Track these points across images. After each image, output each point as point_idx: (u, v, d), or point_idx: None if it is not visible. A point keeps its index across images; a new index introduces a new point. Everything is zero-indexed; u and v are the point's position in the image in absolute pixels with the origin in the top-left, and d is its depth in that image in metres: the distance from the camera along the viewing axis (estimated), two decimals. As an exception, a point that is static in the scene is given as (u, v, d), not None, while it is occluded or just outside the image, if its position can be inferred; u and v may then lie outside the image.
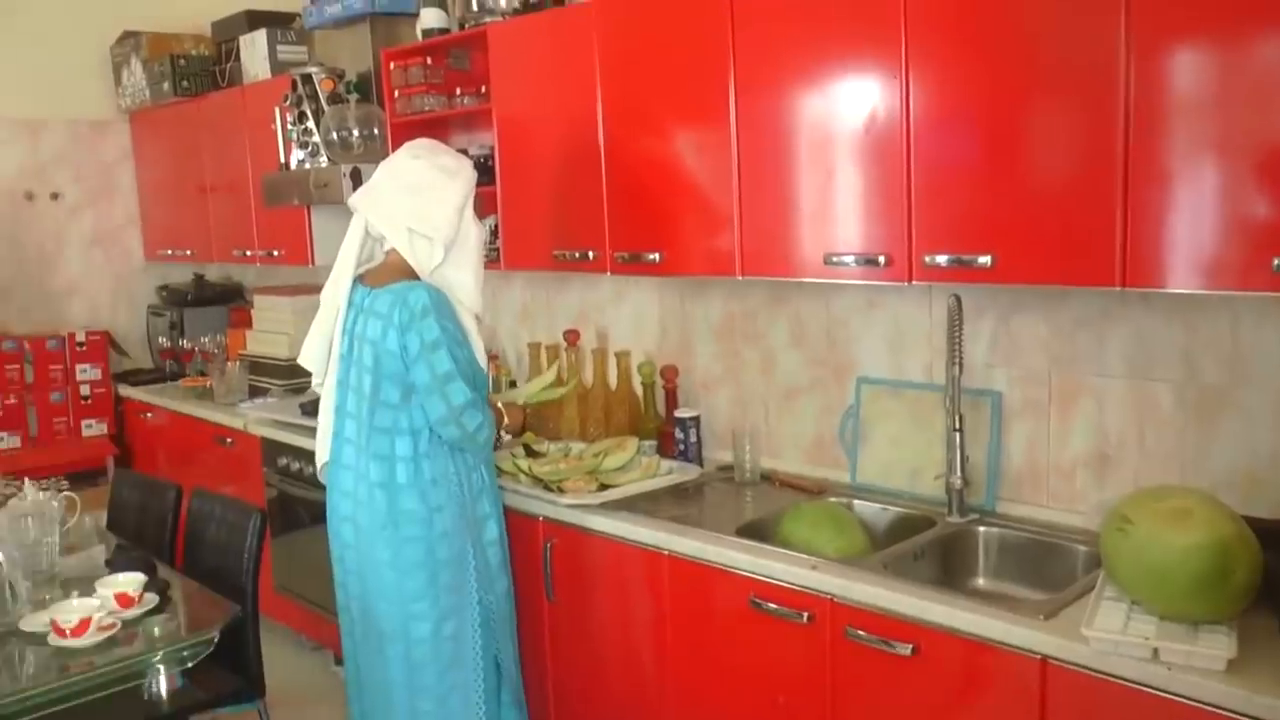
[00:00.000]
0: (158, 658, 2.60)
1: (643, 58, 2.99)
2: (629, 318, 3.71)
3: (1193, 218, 2.06)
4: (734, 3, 2.73)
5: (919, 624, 2.26)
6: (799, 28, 2.62)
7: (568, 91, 3.20)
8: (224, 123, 5.00)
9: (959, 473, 2.75)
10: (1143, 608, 2.05)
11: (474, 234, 2.93)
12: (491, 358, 3.12)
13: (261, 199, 4.46)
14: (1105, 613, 2.06)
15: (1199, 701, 1.86)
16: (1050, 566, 2.59)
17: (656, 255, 3.03)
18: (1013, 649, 2.12)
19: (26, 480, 3.24)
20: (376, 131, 3.93)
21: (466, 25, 3.60)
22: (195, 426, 4.86)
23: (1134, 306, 2.53)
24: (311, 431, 3.90)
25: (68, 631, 2.57)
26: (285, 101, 4.22)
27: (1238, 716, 1.82)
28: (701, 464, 3.33)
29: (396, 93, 3.83)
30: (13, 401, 5.22)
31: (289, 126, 4.23)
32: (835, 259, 2.62)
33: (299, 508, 4.12)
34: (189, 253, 5.50)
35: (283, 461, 4.22)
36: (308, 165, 4.17)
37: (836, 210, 2.62)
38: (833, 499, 2.99)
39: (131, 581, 2.77)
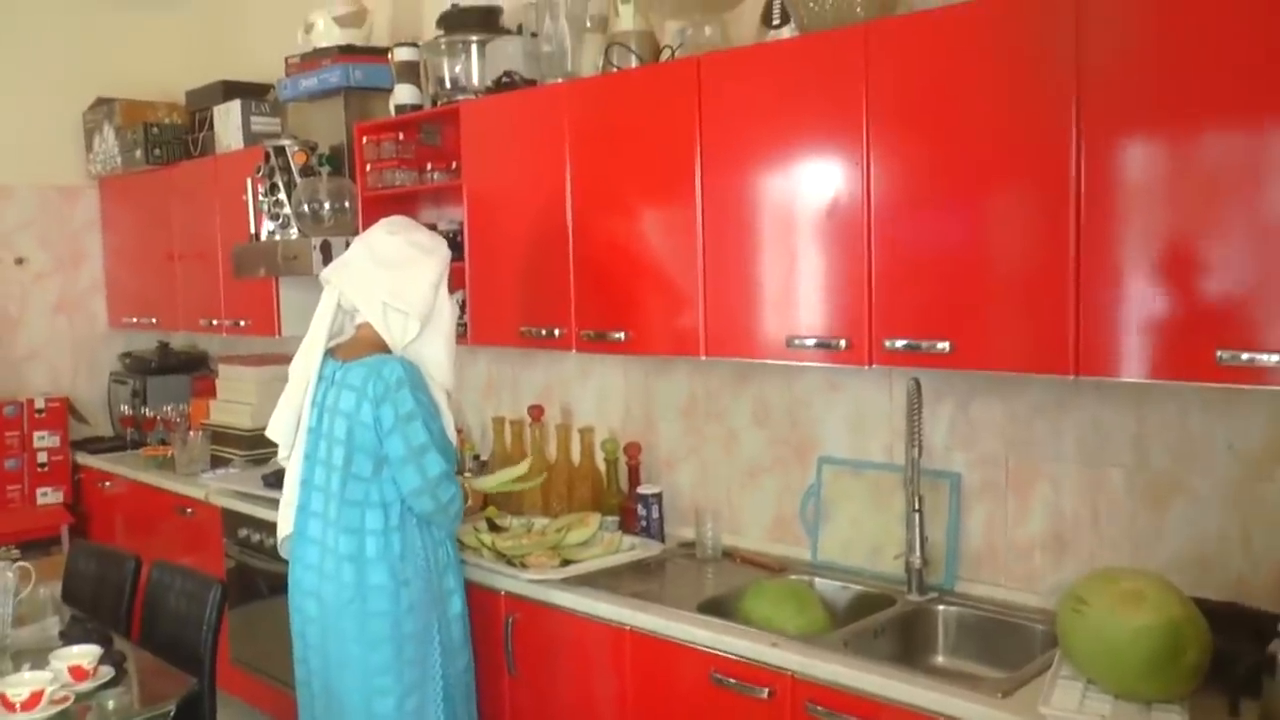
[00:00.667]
0: (112, 731, 2.56)
1: (612, 139, 3.06)
2: (593, 394, 3.74)
3: (1140, 309, 2.13)
4: (701, 89, 2.82)
5: (879, 700, 2.28)
6: (764, 115, 2.70)
7: (537, 170, 3.27)
8: (195, 192, 5.02)
9: (918, 552, 2.79)
10: (1098, 687, 2.10)
11: (447, 310, 2.97)
12: (457, 431, 3.14)
13: (230, 269, 4.48)
14: (1062, 691, 2.10)
15: (1152, 782, 1.89)
16: (1008, 645, 2.61)
17: (622, 334, 3.08)
18: (971, 726, 2.14)
19: (-19, 549, 3.22)
20: (348, 205, 3.98)
21: (439, 102, 3.68)
22: (155, 496, 4.80)
23: (1088, 394, 2.60)
24: (273, 503, 3.89)
25: (18, 705, 2.51)
26: (258, 172, 4.26)
27: (1190, 797, 1.85)
28: (664, 540, 3.34)
29: (369, 166, 3.89)
30: (-33, 467, 5.16)
31: (260, 197, 4.27)
32: (797, 341, 2.68)
33: (258, 579, 4.08)
34: (154, 320, 5.48)
35: (243, 533, 4.19)
36: (278, 236, 4.20)
37: (798, 293, 2.69)
38: (794, 576, 3.02)
39: (86, 654, 2.73)
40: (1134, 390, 2.51)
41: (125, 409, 5.60)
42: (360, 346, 2.93)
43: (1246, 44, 1.98)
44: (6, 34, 5.43)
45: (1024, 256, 2.28)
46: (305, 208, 4.01)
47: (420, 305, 2.90)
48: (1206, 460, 2.45)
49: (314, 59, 4.18)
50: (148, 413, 5.42)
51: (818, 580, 3.01)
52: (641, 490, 3.39)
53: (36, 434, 5.33)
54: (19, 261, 5.60)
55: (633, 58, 3.08)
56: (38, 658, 2.79)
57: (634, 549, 3.24)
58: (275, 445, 3.11)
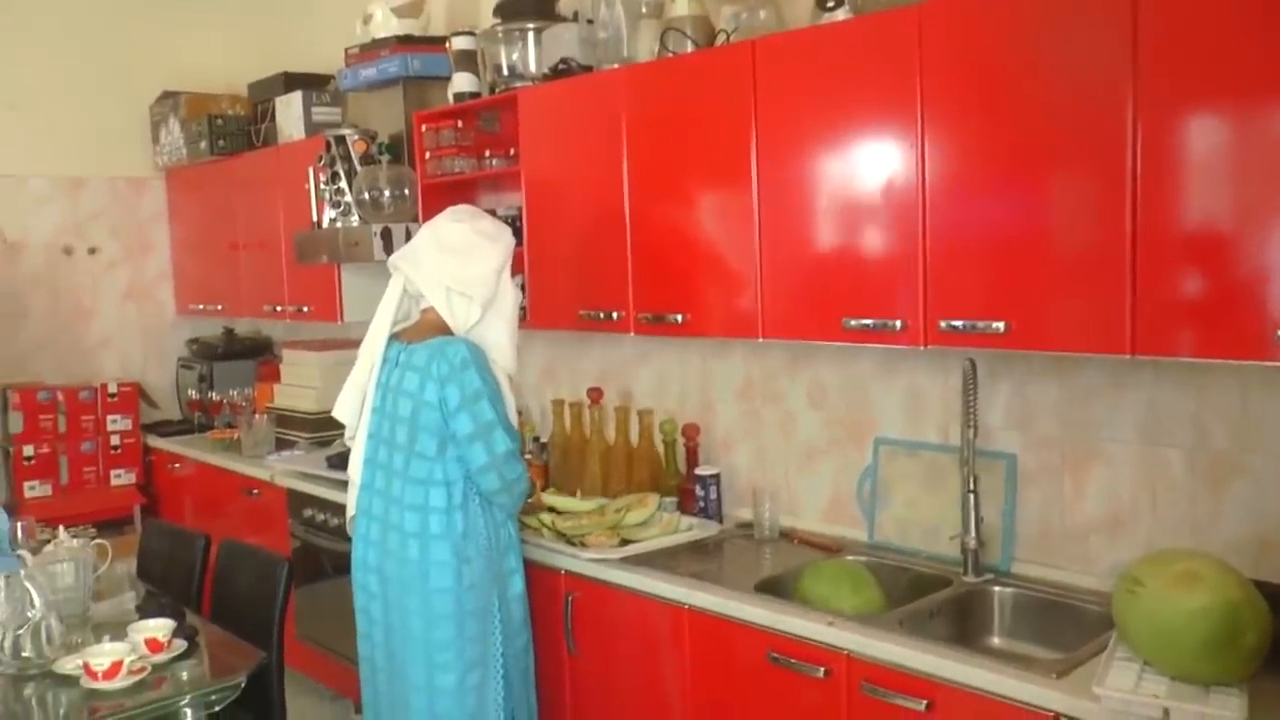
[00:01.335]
0: (185, 701, 2.64)
1: (668, 124, 3.09)
2: (651, 376, 3.78)
3: (1198, 287, 2.12)
4: (756, 72, 2.83)
5: (934, 680, 2.30)
6: (819, 97, 2.72)
7: (595, 155, 3.30)
8: (258, 181, 5.13)
9: (974, 533, 2.80)
10: (1155, 668, 2.09)
11: (510, 296, 3.03)
12: (517, 414, 3.19)
13: (293, 256, 4.57)
14: (1117, 672, 2.10)
15: (1208, 760, 1.89)
16: (1064, 627, 2.62)
17: (680, 317, 3.11)
18: (1026, 706, 2.15)
19: (61, 528, 3.32)
20: (407, 192, 4.04)
21: (497, 90, 3.72)
22: (222, 477, 4.93)
23: (1145, 373, 2.59)
24: (337, 484, 4.01)
25: (99, 674, 2.62)
26: (319, 161, 4.34)
27: (1246, 776, 1.85)
28: (721, 521, 3.38)
29: (427, 154, 3.94)
30: (46, 451, 5.32)
31: (322, 186, 4.34)
32: (853, 323, 2.69)
33: (323, 558, 4.18)
34: (219, 307, 5.61)
35: (308, 513, 4.29)
36: (339, 224, 4.28)
37: (854, 275, 2.70)
38: (850, 557, 3.04)
39: (161, 627, 2.83)
40: (1192, 370, 2.50)
41: (193, 393, 5.75)
42: (424, 330, 3.00)
43: (1307, 19, 1.96)
44: (77, 33, 5.58)
45: (1080, 235, 2.28)
46: (366, 195, 4.08)
47: (483, 290, 2.95)
48: (1268, 440, 2.42)
49: (373, 49, 4.24)
50: (214, 397, 5.56)
51: (874, 561, 3.02)
52: (699, 471, 3.42)
53: (109, 418, 5.49)
54: (91, 251, 5.76)
55: (688, 42, 3.10)
56: (116, 630, 2.89)
57: (692, 529, 3.28)
58: (338, 428, 3.19)
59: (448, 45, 3.92)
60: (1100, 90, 2.21)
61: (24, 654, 2.72)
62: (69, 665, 2.70)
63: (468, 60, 3.84)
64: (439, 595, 2.90)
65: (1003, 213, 2.41)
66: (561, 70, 3.43)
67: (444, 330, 2.97)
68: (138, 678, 2.67)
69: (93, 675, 2.63)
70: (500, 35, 3.64)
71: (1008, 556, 2.85)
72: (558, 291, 3.50)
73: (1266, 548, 2.43)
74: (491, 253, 2.99)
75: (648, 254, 3.19)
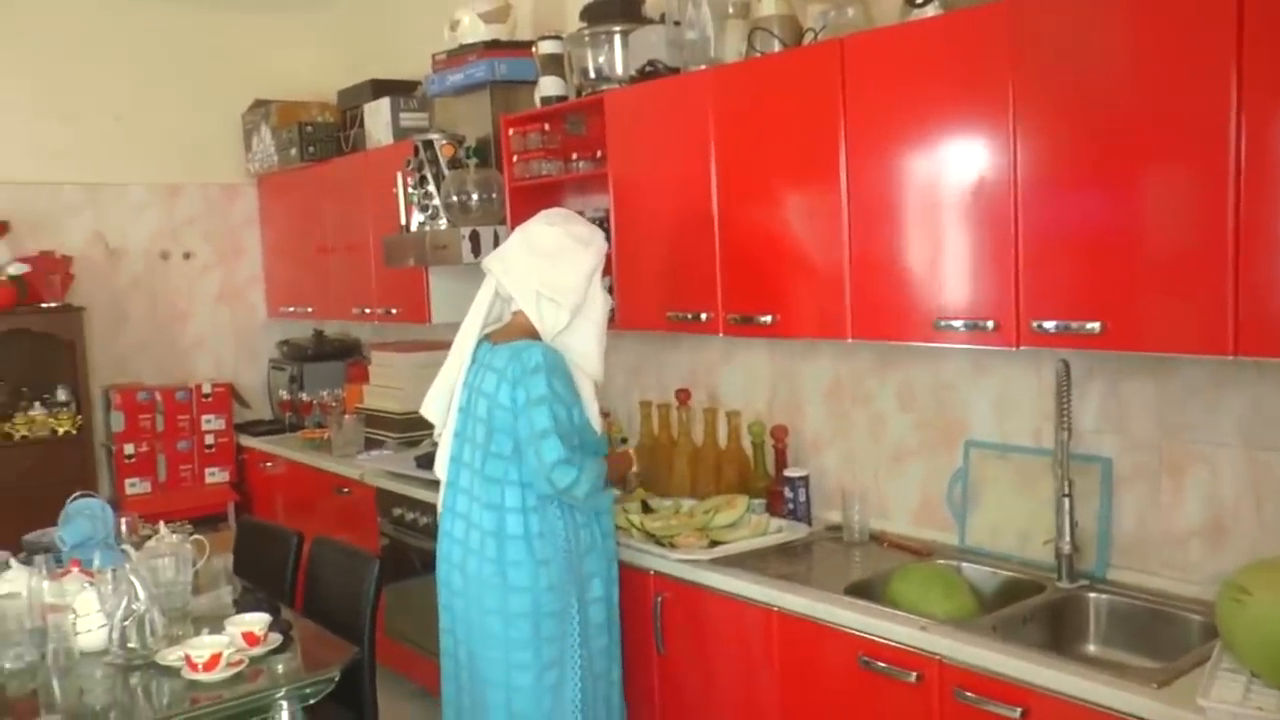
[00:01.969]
0: (281, 694, 2.69)
1: (756, 124, 3.08)
2: (739, 377, 3.77)
3: (1307, 285, 2.06)
4: (845, 71, 2.82)
5: (1029, 687, 2.26)
6: (909, 94, 2.69)
7: (682, 156, 3.30)
8: (346, 186, 5.22)
9: (1069, 538, 2.74)
10: (1262, 680, 2.03)
11: (600, 302, 3.04)
12: (604, 414, 3.21)
13: (381, 259, 4.64)
14: (1223, 684, 2.04)
15: (1320, 775, 1.84)
16: (1163, 635, 2.56)
17: (769, 317, 3.10)
18: (1125, 716, 2.11)
19: (162, 524, 3.41)
20: (495, 195, 4.08)
21: (584, 93, 3.74)
22: (313, 476, 5.03)
23: (1248, 374, 2.52)
24: (425, 483, 4.07)
25: (199, 666, 2.68)
26: (407, 166, 4.40)
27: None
28: (810, 523, 3.36)
29: (515, 157, 3.98)
30: (145, 449, 5.50)
31: (410, 190, 4.40)
32: (943, 323, 2.66)
33: (412, 556, 4.23)
34: (309, 309, 5.73)
35: (397, 511, 4.35)
36: (427, 227, 4.34)
37: (945, 275, 2.67)
38: (941, 561, 3.01)
39: (258, 621, 2.88)
40: (1300, 371, 2.43)
41: (284, 394, 5.88)
42: (512, 331, 3.03)
43: None
44: (175, 47, 5.78)
45: (1179, 232, 2.22)
46: (454, 199, 4.13)
47: (572, 296, 2.97)
48: (1379, 444, 2.35)
49: (460, 55, 4.29)
50: (305, 397, 5.69)
51: (965, 565, 2.99)
52: (788, 473, 3.40)
53: (204, 417, 5.65)
54: (187, 256, 5.94)
55: (775, 42, 3.09)
56: (214, 624, 2.95)
57: (781, 531, 3.27)
58: (426, 428, 3.24)
59: (534, 49, 3.95)
60: (1201, 82, 2.15)
61: (129, 644, 2.79)
62: (171, 657, 2.77)
63: (554, 64, 3.86)
64: (516, 594, 2.92)
65: (1098, 210, 2.36)
66: (648, 72, 3.44)
67: (532, 333, 3.00)
68: (235, 670, 2.73)
69: (193, 667, 2.69)
70: (587, 39, 3.66)
71: (1103, 562, 2.80)
72: (646, 293, 3.51)
73: (1379, 555, 2.35)
74: (583, 257, 3.00)
75: (736, 255, 3.18)
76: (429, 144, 4.31)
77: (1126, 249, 2.31)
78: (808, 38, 3.07)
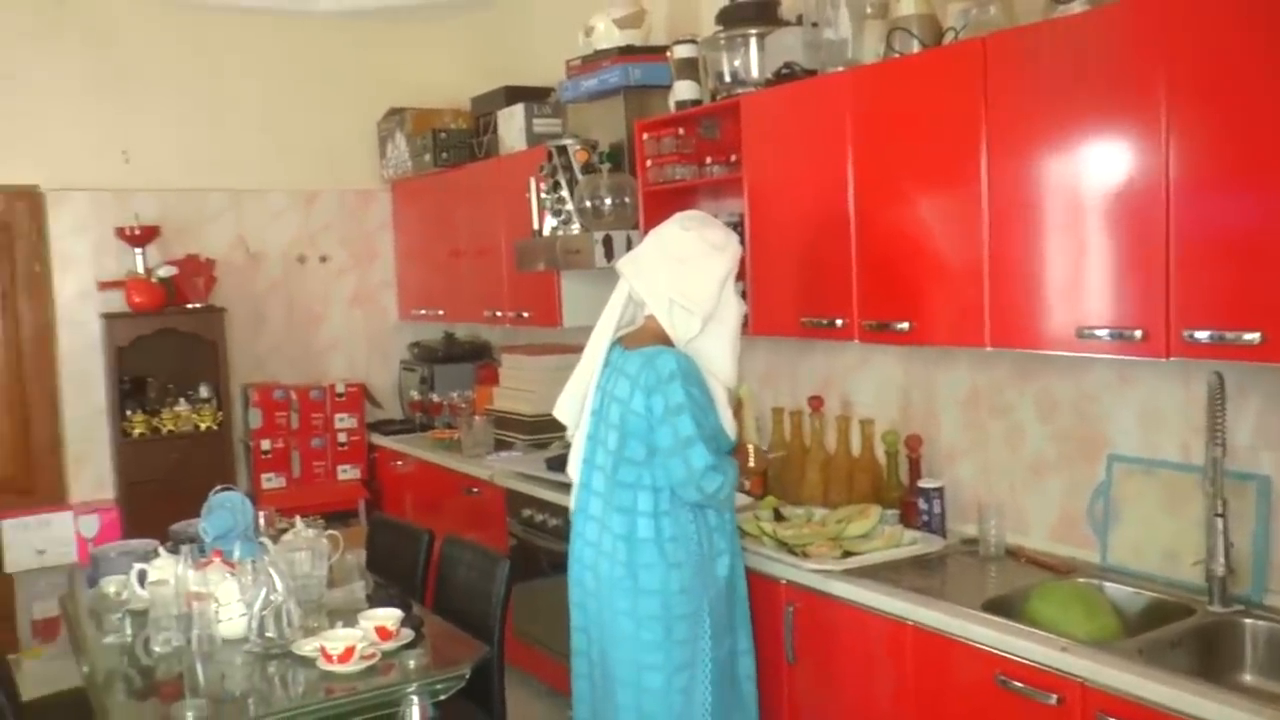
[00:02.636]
0: (412, 689, 2.73)
1: (894, 126, 3.03)
2: (872, 385, 3.71)
3: None
4: (987, 71, 2.74)
5: (1178, 715, 2.16)
6: (1054, 94, 2.60)
7: (819, 159, 3.26)
8: (479, 191, 5.30)
9: (1222, 559, 2.62)
10: None
11: (734, 308, 3.02)
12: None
13: (513, 263, 4.69)
14: (1396, 718, 1.93)
15: None
16: (1329, 667, 2.43)
17: (905, 324, 3.03)
18: (1286, 748, 2.00)
19: (298, 518, 3.50)
20: (628, 200, 4.09)
21: (719, 96, 3.72)
22: (443, 475, 5.11)
23: None
24: (555, 485, 4.10)
25: (334, 657, 2.74)
26: (541, 171, 4.44)
27: None
28: (945, 536, 3.28)
29: (649, 162, 3.98)
30: (280, 445, 5.67)
31: (543, 195, 4.45)
32: (1087, 332, 2.57)
33: (540, 557, 4.27)
34: (440, 312, 5.84)
35: (526, 512, 4.39)
36: (560, 232, 4.37)
37: (1090, 281, 2.57)
38: (1082, 579, 2.90)
39: (390, 616, 2.93)
40: None
41: (414, 394, 6.00)
42: (644, 336, 3.03)
43: None
44: (311, 57, 5.99)
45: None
46: (587, 203, 4.16)
47: (704, 303, 2.95)
48: None
49: (594, 60, 4.32)
50: (435, 398, 5.79)
51: (1107, 584, 2.87)
52: (923, 484, 3.33)
53: (337, 416, 5.80)
54: (322, 260, 6.12)
55: (915, 42, 3.03)
56: (348, 617, 3.01)
57: (915, 543, 3.20)
58: (556, 431, 3.25)
59: (669, 54, 3.95)
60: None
61: (268, 634, 2.87)
62: (307, 647, 2.84)
63: (689, 68, 3.86)
64: (647, 597, 2.92)
65: (1258, 212, 2.24)
66: (785, 75, 3.41)
67: (664, 339, 2.99)
68: (368, 663, 2.78)
69: (328, 658, 2.75)
70: (722, 42, 3.64)
71: (1260, 586, 2.66)
72: (780, 298, 3.47)
73: None
74: (717, 263, 2.98)
75: (872, 260, 3.13)
76: (563, 149, 4.35)
77: (1289, 255, 2.19)
78: (948, 37, 3.00)
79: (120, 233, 5.40)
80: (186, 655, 2.87)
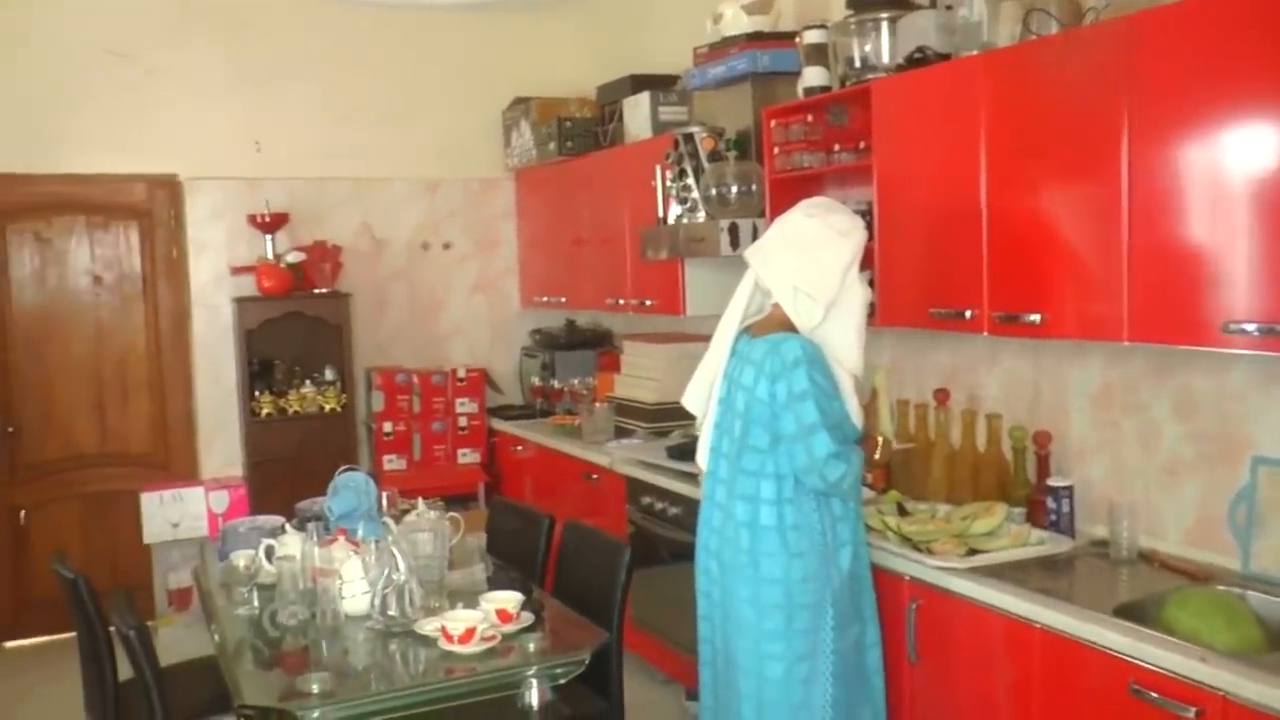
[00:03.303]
0: (532, 672, 2.74)
1: (1029, 110, 2.92)
2: (1000, 378, 3.60)
3: None
4: (1131, 51, 2.63)
5: (1330, 733, 2.05)
6: (1204, 75, 2.48)
7: (951, 146, 3.18)
8: (604, 180, 5.31)
9: (1377, 570, 2.48)
10: None
11: (858, 295, 2.97)
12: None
13: (637, 251, 4.70)
14: None
15: None
16: None
17: (1036, 317, 2.94)
18: None
19: (420, 500, 3.55)
20: (754, 188, 4.05)
21: (848, 83, 3.66)
22: (562, 461, 5.14)
23: None
24: (676, 474, 4.10)
25: (455, 638, 2.78)
26: (666, 159, 4.43)
27: None
28: (1073, 536, 3.17)
29: (776, 149, 3.93)
30: (402, 428, 5.79)
31: (669, 183, 4.44)
32: (1234, 327, 2.45)
33: (659, 545, 4.26)
34: (562, 300, 5.88)
35: (646, 500, 4.39)
36: (684, 220, 4.36)
37: (1237, 273, 2.45)
38: (1221, 587, 2.77)
39: (511, 599, 2.96)
40: None
41: (535, 380, 6.06)
42: (770, 324, 3.00)
43: None
44: (436, 49, 6.09)
45: None
46: (713, 191, 4.13)
47: (827, 290, 2.91)
48: None
49: (722, 48, 4.29)
50: (556, 384, 5.84)
51: (1249, 593, 2.74)
52: (1051, 482, 3.23)
53: (458, 400, 5.91)
54: (446, 247, 6.22)
55: (1053, 23, 2.93)
56: (468, 599, 3.05)
57: (1043, 543, 3.10)
58: (678, 419, 3.24)
59: (798, 40, 3.90)
60: None
61: (390, 612, 2.92)
62: (428, 627, 2.88)
63: (818, 54, 3.80)
64: (769, 586, 2.89)
65: None
66: (917, 59, 3.33)
67: (789, 326, 2.95)
68: (489, 645, 2.81)
69: (449, 638, 2.78)
70: (853, 27, 3.58)
71: None
72: (907, 289, 3.39)
73: None
74: (841, 250, 2.94)
75: (1004, 250, 3.03)
76: (689, 137, 4.33)
77: None
78: (1089, 17, 2.90)
79: (252, 220, 5.60)
80: (311, 629, 2.95)
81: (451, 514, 3.51)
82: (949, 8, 3.25)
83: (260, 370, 5.62)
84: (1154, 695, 2.37)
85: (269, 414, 5.49)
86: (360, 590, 3.00)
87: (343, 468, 3.54)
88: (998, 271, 3.06)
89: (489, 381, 6.11)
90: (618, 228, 5.14)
